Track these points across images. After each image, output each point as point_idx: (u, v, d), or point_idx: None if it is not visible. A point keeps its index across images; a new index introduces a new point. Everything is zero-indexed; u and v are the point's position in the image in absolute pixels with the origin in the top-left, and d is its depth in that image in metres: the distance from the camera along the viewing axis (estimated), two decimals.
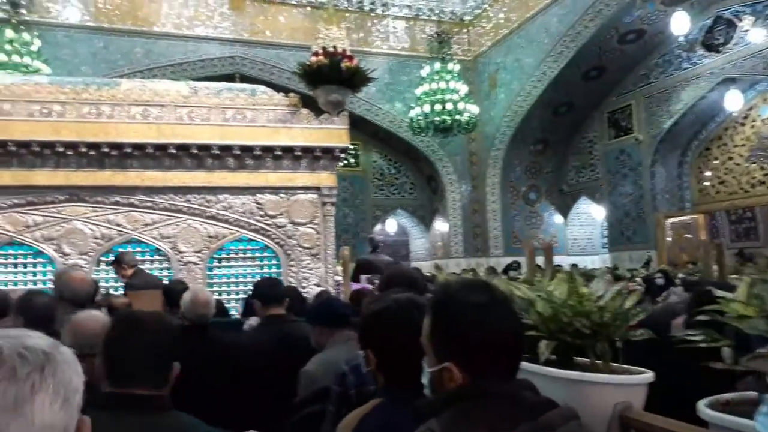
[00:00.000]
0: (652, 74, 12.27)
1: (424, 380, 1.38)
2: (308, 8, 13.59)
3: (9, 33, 9.94)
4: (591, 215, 15.02)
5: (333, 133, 6.52)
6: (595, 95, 13.21)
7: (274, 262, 6.51)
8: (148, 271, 5.72)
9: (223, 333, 3.42)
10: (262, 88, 6.84)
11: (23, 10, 10.73)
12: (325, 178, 6.57)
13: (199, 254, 6.30)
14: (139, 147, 6.06)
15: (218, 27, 13.18)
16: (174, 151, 6.14)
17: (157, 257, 6.20)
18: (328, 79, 6.22)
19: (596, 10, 11.26)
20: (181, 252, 6.23)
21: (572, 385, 1.53)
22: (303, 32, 13.27)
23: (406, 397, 1.46)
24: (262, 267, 6.49)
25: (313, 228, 6.53)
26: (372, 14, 14.45)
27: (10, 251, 5.90)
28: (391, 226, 16.67)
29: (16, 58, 9.79)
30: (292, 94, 6.55)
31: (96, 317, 2.14)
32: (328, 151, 6.50)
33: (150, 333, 1.68)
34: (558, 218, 15.19)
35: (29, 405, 0.74)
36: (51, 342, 0.82)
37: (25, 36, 10.17)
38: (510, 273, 9.31)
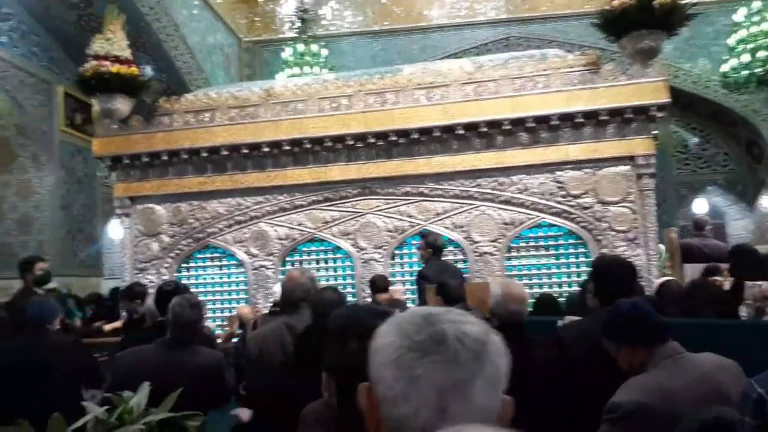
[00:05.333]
0: None
1: None
2: None
3: (300, 47, 10.68)
4: None
5: (646, 89, 5.34)
6: None
7: (581, 249, 5.57)
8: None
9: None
10: (553, 51, 5.99)
11: (312, 26, 11.46)
12: (640, 145, 5.40)
13: (494, 244, 5.66)
14: (426, 131, 5.67)
15: (490, 9, 12.59)
16: (462, 131, 5.61)
17: (450, 248, 5.71)
18: (637, 23, 5.05)
19: None
20: (475, 242, 5.68)
21: None
22: None
23: None
24: (567, 256, 5.61)
25: (627, 207, 5.43)
26: None
27: (312, 247, 5.99)
28: (700, 206, 14.18)
29: (307, 69, 10.45)
30: (590, 51, 5.53)
31: None
32: (641, 111, 5.33)
33: None
34: None
35: (469, 387, 0.77)
36: (484, 329, 0.83)
37: (314, 48, 10.83)
38: None
